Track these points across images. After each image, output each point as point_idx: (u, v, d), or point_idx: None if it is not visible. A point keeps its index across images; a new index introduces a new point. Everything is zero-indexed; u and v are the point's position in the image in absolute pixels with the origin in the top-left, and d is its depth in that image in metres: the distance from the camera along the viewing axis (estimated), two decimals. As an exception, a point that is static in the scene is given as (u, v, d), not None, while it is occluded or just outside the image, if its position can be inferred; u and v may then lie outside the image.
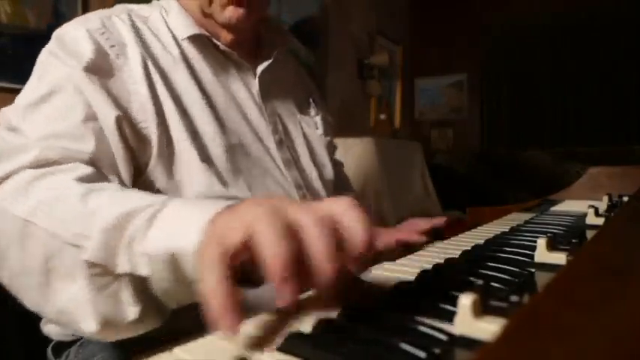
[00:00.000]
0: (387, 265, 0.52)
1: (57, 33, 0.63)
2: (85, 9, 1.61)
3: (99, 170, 0.55)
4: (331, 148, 0.88)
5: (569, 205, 1.06)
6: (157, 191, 0.61)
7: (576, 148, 3.31)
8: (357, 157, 2.22)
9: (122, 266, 0.40)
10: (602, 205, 0.84)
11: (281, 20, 2.60)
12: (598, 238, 0.45)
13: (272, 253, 0.30)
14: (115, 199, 0.44)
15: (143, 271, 0.39)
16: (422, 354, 0.26)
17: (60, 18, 1.55)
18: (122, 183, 0.58)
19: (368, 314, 0.34)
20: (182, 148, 0.62)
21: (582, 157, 3.13)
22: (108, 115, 0.57)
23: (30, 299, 0.47)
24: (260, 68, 0.75)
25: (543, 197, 1.24)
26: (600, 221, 0.71)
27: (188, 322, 0.45)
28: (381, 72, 3.50)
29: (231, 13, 0.67)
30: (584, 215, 0.75)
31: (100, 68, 0.59)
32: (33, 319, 0.73)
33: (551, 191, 1.28)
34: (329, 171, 0.82)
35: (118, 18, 0.65)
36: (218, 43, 0.70)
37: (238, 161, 0.66)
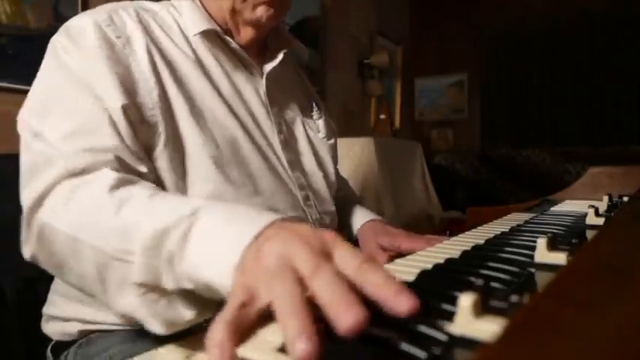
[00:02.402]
0: (386, 265, 0.51)
1: (65, 25, 0.64)
2: (85, 9, 1.61)
3: (125, 163, 0.56)
4: (333, 152, 0.89)
5: (569, 205, 1.06)
6: (163, 178, 0.62)
7: (576, 148, 3.31)
8: (357, 157, 2.22)
9: (168, 284, 0.42)
10: (602, 205, 0.84)
11: (282, 20, 2.60)
12: (598, 238, 0.45)
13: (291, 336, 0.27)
14: (146, 211, 0.46)
15: (187, 286, 0.41)
16: (422, 354, 0.26)
17: (60, 18, 1.55)
18: (150, 170, 0.59)
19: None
20: (188, 136, 0.63)
21: (582, 157, 3.13)
22: (115, 103, 0.58)
23: (99, 300, 0.50)
24: (267, 68, 0.76)
25: (543, 197, 1.24)
26: (600, 221, 0.71)
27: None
28: (381, 72, 3.50)
29: (263, 11, 0.69)
30: (584, 215, 0.75)
31: (106, 56, 0.60)
32: (33, 319, 0.73)
33: (551, 191, 1.28)
34: (332, 173, 0.83)
35: (124, 11, 0.67)
36: (230, 41, 0.71)
37: (245, 151, 0.67)
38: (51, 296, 0.72)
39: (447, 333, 0.28)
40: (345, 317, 0.27)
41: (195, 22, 0.70)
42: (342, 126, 3.03)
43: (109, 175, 0.52)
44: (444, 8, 3.97)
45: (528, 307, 0.24)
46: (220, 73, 0.71)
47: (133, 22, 0.66)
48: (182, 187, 0.63)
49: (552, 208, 1.02)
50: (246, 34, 0.73)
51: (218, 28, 0.71)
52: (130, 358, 0.31)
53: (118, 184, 0.51)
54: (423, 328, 0.29)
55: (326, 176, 0.81)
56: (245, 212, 0.44)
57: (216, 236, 0.41)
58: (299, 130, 0.80)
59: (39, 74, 0.63)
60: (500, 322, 0.28)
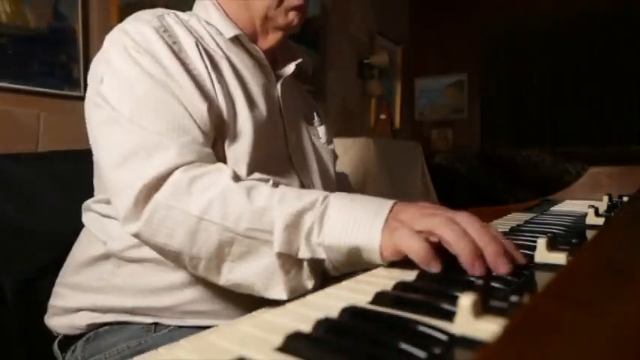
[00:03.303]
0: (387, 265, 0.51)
1: (121, 29, 0.66)
2: (85, 9, 1.61)
3: (213, 159, 0.61)
4: (334, 156, 0.94)
5: (569, 205, 1.06)
6: None
7: (576, 148, 3.31)
8: (357, 157, 2.22)
9: (303, 253, 0.52)
10: (602, 205, 0.84)
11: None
12: (598, 238, 0.45)
13: (460, 247, 0.42)
14: (278, 198, 0.54)
15: (321, 256, 0.51)
16: (422, 354, 0.26)
17: (60, 18, 1.54)
18: None
19: (368, 314, 0.34)
20: (227, 135, 0.67)
21: (582, 157, 3.13)
22: (200, 108, 0.62)
23: (197, 272, 0.57)
24: (284, 74, 0.80)
25: (543, 197, 1.24)
26: (600, 221, 0.71)
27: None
28: (381, 72, 3.50)
29: (294, 16, 0.75)
30: (584, 215, 0.75)
31: (176, 63, 0.64)
32: (33, 319, 0.73)
33: (551, 191, 1.28)
34: (332, 176, 0.88)
35: (168, 16, 0.70)
36: (255, 47, 0.75)
37: (266, 149, 0.71)
38: (59, 289, 0.73)
39: (447, 333, 0.28)
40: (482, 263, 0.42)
41: (225, 28, 0.74)
42: (342, 126, 3.03)
43: (224, 168, 0.59)
44: (444, 8, 3.97)
45: (528, 307, 0.24)
46: (249, 75, 0.75)
47: (179, 27, 0.69)
48: None
49: (552, 208, 1.02)
50: (275, 37, 0.78)
51: (242, 34, 0.75)
52: (137, 353, 0.31)
53: (235, 177, 0.58)
54: (423, 328, 0.29)
55: (327, 177, 0.85)
56: (369, 198, 0.54)
57: (354, 214, 0.50)
58: (305, 135, 0.85)
59: (114, 67, 0.64)
60: (500, 322, 0.28)
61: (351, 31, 3.23)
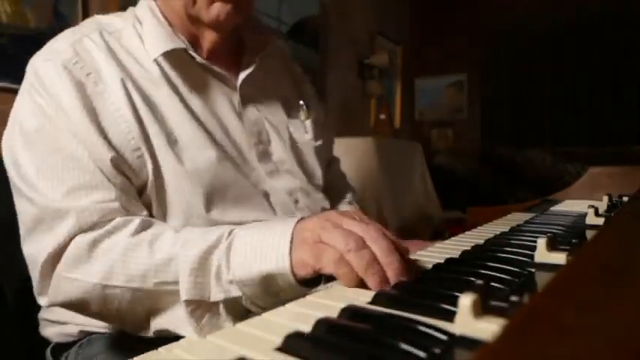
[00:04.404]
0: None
1: (33, 65, 0.61)
2: (85, 9, 1.61)
3: (129, 211, 0.57)
4: (321, 152, 0.84)
5: (569, 205, 1.06)
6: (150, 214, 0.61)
7: (576, 148, 3.31)
8: (357, 157, 2.21)
9: (215, 296, 0.49)
10: (602, 205, 0.84)
11: (281, 20, 2.60)
12: (598, 238, 0.45)
13: (368, 281, 0.42)
14: (181, 244, 0.51)
15: (235, 294, 0.48)
16: (422, 354, 0.26)
17: (60, 18, 1.55)
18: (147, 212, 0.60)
19: (368, 314, 0.34)
20: (167, 171, 0.61)
21: (582, 157, 3.13)
22: (104, 160, 0.57)
23: (125, 328, 0.56)
24: (240, 77, 0.71)
25: (543, 197, 1.24)
26: (600, 221, 0.71)
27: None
28: (381, 72, 3.50)
29: (219, 9, 0.63)
30: (584, 215, 0.75)
31: (82, 106, 0.57)
32: (33, 319, 0.73)
33: (551, 191, 1.28)
34: (318, 176, 0.80)
35: (89, 39, 0.62)
36: (195, 56, 0.66)
37: (225, 174, 0.64)
38: None
39: (447, 333, 0.28)
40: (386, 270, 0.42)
41: (156, 41, 0.65)
42: (342, 126, 3.03)
43: (127, 222, 0.55)
44: (444, 8, 3.97)
45: (528, 307, 0.24)
46: (191, 92, 0.66)
47: (100, 52, 0.61)
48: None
49: (552, 208, 1.02)
50: (211, 37, 0.68)
51: (182, 45, 0.66)
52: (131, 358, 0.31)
53: (139, 229, 0.54)
54: (423, 328, 0.29)
55: (310, 179, 0.78)
56: (273, 221, 0.52)
57: (259, 239, 0.47)
58: (282, 134, 0.75)
59: (22, 112, 0.60)
60: (500, 322, 0.28)
61: (351, 31, 3.23)
